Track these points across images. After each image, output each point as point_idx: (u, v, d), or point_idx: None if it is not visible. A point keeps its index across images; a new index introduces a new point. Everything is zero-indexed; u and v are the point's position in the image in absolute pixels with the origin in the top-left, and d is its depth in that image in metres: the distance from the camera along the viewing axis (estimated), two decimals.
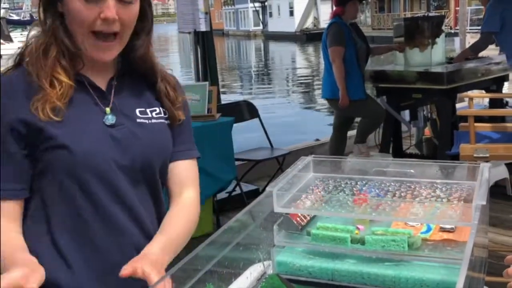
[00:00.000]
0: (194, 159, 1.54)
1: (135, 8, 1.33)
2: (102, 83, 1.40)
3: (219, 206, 4.22)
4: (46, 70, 1.30)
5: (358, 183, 1.59)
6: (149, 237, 1.38)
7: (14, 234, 1.30)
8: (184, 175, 1.50)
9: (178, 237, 1.41)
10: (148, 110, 1.44)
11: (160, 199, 1.49)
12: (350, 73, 4.77)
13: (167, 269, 1.31)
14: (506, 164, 4.41)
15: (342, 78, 4.72)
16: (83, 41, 1.30)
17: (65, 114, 1.30)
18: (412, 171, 1.61)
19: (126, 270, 1.19)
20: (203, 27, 4.56)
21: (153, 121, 1.43)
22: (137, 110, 1.42)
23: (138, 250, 1.32)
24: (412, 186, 1.54)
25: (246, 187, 4.51)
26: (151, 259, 1.25)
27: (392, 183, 1.57)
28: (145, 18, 1.40)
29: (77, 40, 1.31)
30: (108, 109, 1.37)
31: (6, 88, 1.29)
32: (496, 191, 4.21)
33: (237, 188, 4.34)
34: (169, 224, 1.42)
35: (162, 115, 1.46)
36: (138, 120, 1.41)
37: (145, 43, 1.41)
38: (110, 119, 1.36)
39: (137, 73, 1.45)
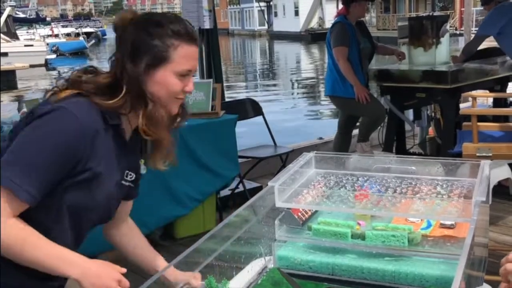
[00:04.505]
0: None
1: None
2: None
3: (222, 203, 4.22)
4: None
5: (360, 179, 1.59)
6: None
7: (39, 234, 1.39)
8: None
9: None
10: (129, 173, 1.60)
11: None
12: None
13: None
14: (510, 165, 4.40)
15: (351, 73, 4.70)
16: (166, 102, 1.52)
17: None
18: (413, 168, 1.62)
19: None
20: (207, 25, 4.55)
21: (126, 184, 1.61)
22: (126, 172, 1.59)
23: None
24: (413, 183, 1.55)
25: (249, 185, 4.51)
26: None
27: (393, 180, 1.58)
28: None
29: (156, 99, 1.50)
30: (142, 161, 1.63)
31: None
32: (499, 191, 4.20)
33: (240, 185, 4.35)
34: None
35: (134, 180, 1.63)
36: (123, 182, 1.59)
37: None
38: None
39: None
